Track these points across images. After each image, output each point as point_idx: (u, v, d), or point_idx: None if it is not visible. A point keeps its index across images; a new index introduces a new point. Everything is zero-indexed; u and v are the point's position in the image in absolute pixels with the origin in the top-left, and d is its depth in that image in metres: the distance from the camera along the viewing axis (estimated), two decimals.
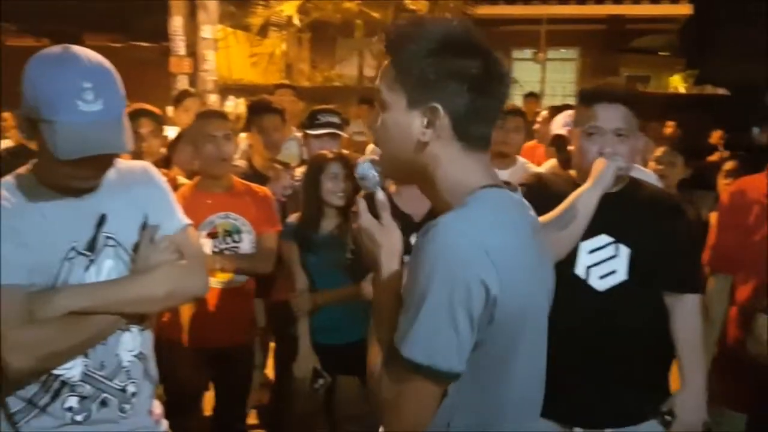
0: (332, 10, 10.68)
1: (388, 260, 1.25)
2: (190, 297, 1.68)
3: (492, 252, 1.09)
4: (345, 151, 3.19)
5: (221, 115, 2.89)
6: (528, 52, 13.82)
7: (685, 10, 13.25)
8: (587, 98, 2.01)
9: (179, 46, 8.73)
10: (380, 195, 1.28)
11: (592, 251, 1.99)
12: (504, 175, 3.60)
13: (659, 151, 4.35)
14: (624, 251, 1.98)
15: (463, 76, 1.15)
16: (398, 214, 2.27)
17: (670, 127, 7.78)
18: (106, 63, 1.44)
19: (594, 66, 13.32)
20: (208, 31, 8.93)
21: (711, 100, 11.15)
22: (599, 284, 1.98)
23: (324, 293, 2.86)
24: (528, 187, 2.10)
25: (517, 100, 9.13)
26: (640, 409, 2.03)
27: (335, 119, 3.53)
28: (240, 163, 3.46)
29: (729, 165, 4.08)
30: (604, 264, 1.99)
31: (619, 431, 2.01)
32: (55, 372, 1.50)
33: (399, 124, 1.20)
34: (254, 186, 2.97)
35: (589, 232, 1.97)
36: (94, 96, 1.36)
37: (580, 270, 1.99)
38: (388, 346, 1.15)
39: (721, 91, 11.82)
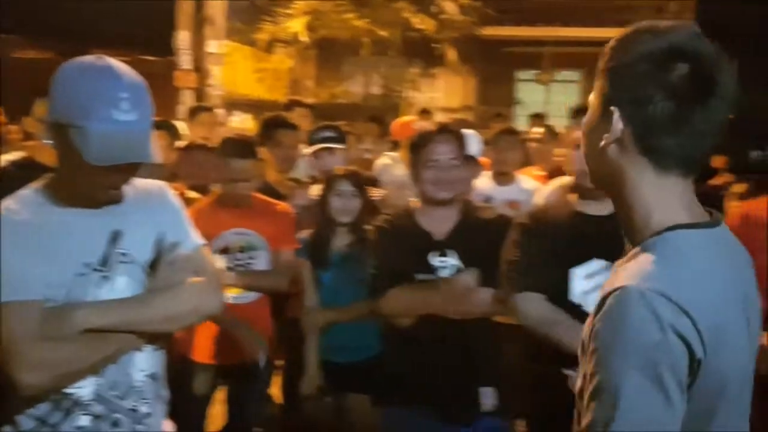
0: (340, 27, 10.74)
1: None
2: (207, 315, 1.65)
3: (692, 310, 0.98)
4: (356, 168, 3.20)
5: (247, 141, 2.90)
6: (533, 74, 13.89)
7: None
8: (575, 113, 2.12)
9: (185, 60, 8.76)
10: None
11: (586, 276, 2.01)
12: (506, 192, 3.67)
13: None
14: None
15: (659, 82, 1.03)
16: (418, 232, 2.28)
17: None
18: (139, 76, 1.45)
19: None
20: (214, 45, 8.98)
21: None
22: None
23: (335, 311, 2.85)
24: (523, 227, 2.13)
25: (522, 120, 9.17)
26: None
27: (329, 133, 3.59)
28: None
29: (739, 188, 4.07)
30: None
31: None
32: (67, 391, 1.47)
33: (590, 126, 1.14)
34: (274, 202, 2.96)
35: (582, 257, 2.00)
36: (129, 106, 1.38)
37: (576, 296, 2.01)
38: None
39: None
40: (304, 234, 3.00)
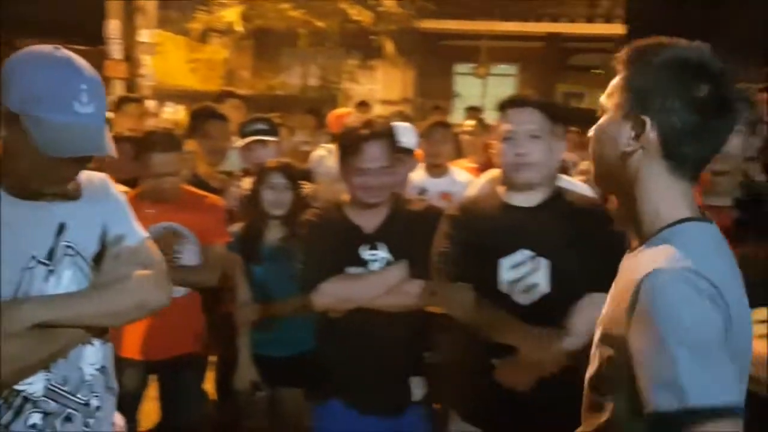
0: (276, 18, 10.62)
1: None
2: (156, 308, 1.63)
3: (721, 287, 1.09)
4: (289, 160, 3.16)
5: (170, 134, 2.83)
6: (470, 67, 14.05)
7: (619, 30, 13.72)
8: (502, 107, 2.14)
9: (115, 49, 8.50)
10: None
11: (513, 267, 2.04)
12: (439, 184, 3.72)
13: (584, 164, 4.49)
14: (544, 264, 2.02)
15: (685, 96, 1.16)
16: (348, 226, 2.27)
17: None
18: (93, 68, 1.44)
19: (532, 82, 13.63)
20: (145, 35, 8.74)
21: None
22: (523, 298, 2.03)
23: (268, 305, 2.82)
24: (453, 219, 2.15)
25: (458, 113, 9.29)
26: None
27: (261, 126, 3.56)
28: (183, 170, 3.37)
29: None
30: (527, 279, 2.03)
31: None
32: (17, 387, 1.45)
33: (610, 131, 1.24)
34: (203, 194, 2.90)
35: (509, 248, 2.04)
36: (88, 98, 1.38)
37: (503, 286, 2.04)
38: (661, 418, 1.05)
39: None
40: (236, 227, 2.96)
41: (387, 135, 2.27)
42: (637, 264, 1.15)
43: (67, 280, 1.50)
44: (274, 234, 2.89)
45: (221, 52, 11.05)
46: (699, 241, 1.17)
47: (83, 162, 1.47)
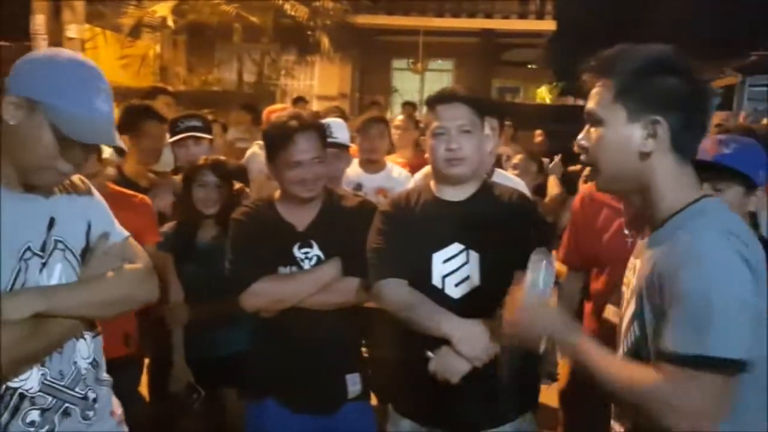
0: (209, 12, 10.43)
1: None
2: (145, 301, 1.72)
3: (751, 249, 1.25)
4: (221, 157, 3.12)
5: None
6: (407, 62, 14.13)
7: (550, 26, 14.05)
8: (430, 102, 2.15)
9: (42, 45, 8.20)
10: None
11: (445, 261, 2.06)
12: (375, 179, 3.73)
13: (516, 158, 4.60)
14: (474, 257, 2.05)
15: (678, 93, 1.31)
16: (280, 224, 2.25)
17: (539, 136, 8.22)
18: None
19: (468, 77, 13.80)
20: (74, 30, 8.47)
21: (574, 111, 11.86)
22: (455, 292, 2.05)
23: (201, 306, 2.78)
24: (386, 215, 2.16)
25: (396, 108, 9.33)
26: (505, 412, 2.10)
27: (195, 123, 3.51)
28: (109, 170, 3.27)
29: (588, 171, 4.32)
30: (458, 272, 2.06)
31: None
32: (12, 385, 1.48)
33: (618, 137, 1.35)
34: (130, 193, 2.82)
35: (441, 243, 2.06)
36: (105, 98, 1.51)
37: (436, 280, 2.06)
38: (675, 357, 1.21)
39: (582, 102, 12.57)
40: (168, 227, 2.90)
41: (316, 126, 2.26)
42: (672, 236, 1.29)
43: (58, 272, 1.54)
44: (206, 233, 2.85)
45: (153, 47, 10.77)
46: (721, 210, 1.34)
47: (90, 151, 1.58)
